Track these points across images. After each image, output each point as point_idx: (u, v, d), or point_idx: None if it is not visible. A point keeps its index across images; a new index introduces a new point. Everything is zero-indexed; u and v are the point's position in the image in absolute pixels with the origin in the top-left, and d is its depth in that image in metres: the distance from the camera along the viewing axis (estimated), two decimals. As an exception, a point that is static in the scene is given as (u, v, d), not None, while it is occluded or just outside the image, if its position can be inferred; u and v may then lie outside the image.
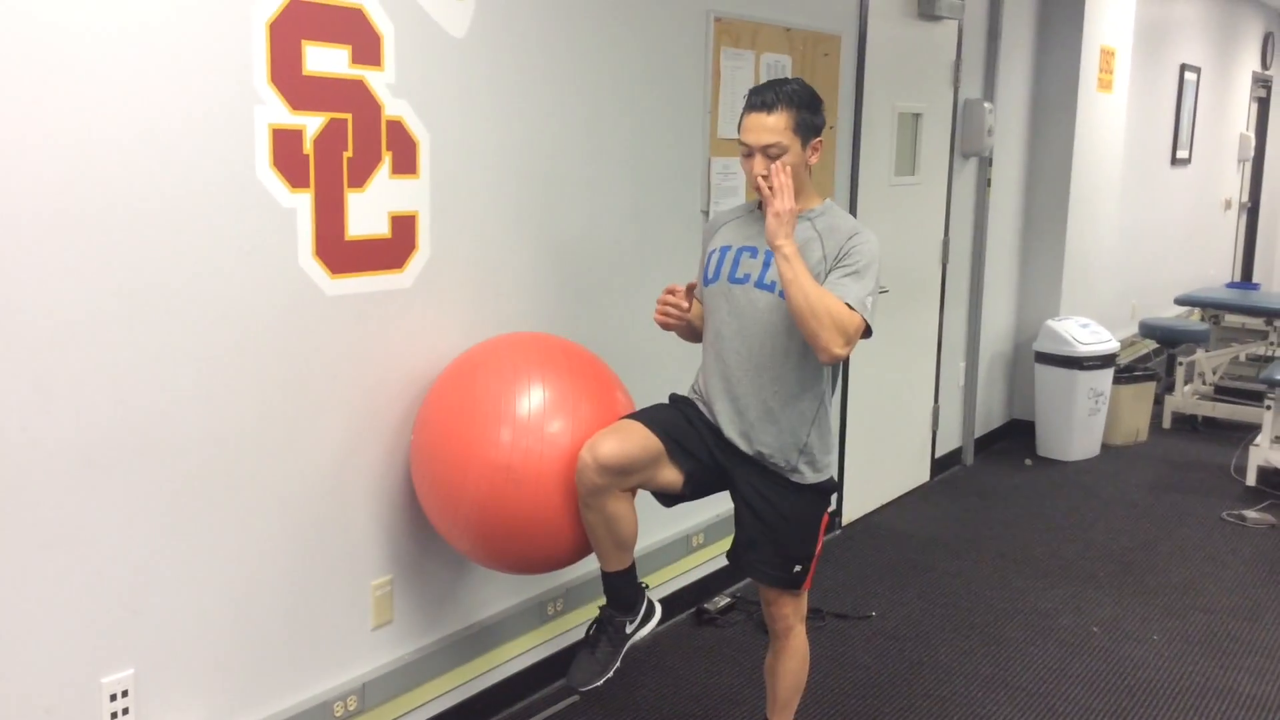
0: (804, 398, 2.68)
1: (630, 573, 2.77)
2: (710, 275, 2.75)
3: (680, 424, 2.72)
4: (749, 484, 2.72)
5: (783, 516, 2.72)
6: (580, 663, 2.77)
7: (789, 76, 2.69)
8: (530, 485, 2.58)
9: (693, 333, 2.84)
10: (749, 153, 2.62)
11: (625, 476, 2.59)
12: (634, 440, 2.60)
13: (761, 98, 2.60)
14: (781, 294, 2.55)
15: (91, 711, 2.29)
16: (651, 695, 3.42)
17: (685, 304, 2.72)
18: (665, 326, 2.78)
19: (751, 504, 2.73)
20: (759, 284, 2.65)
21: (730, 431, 2.70)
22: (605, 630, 2.79)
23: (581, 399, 2.69)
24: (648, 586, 2.87)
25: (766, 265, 2.63)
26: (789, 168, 2.57)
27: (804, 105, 2.60)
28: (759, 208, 2.73)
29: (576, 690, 2.77)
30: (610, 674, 2.76)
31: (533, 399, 2.64)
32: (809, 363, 2.64)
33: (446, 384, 2.77)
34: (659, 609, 2.89)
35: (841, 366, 2.68)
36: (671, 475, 2.69)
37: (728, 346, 2.70)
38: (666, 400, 2.86)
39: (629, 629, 2.80)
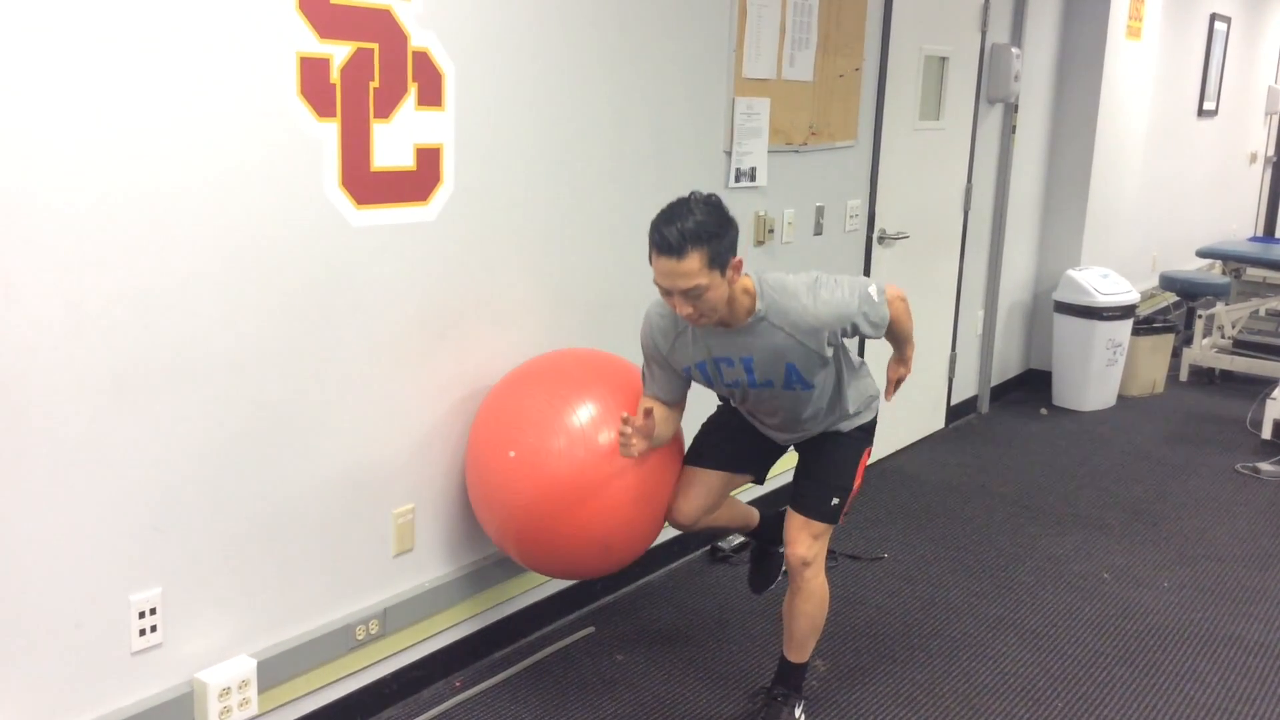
0: (830, 403, 2.85)
1: (764, 524, 3.25)
2: (706, 384, 2.81)
3: (729, 445, 2.98)
4: (800, 445, 2.99)
5: (826, 450, 2.92)
6: (751, 578, 3.39)
7: (689, 198, 2.49)
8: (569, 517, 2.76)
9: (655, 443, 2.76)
10: (667, 291, 2.50)
11: (710, 513, 2.99)
12: (701, 492, 2.94)
13: (666, 239, 2.41)
14: (783, 385, 2.72)
15: (120, 628, 2.34)
16: (666, 627, 3.47)
17: (651, 425, 2.65)
18: (628, 454, 2.65)
19: (801, 453, 2.99)
20: (753, 385, 2.74)
21: (781, 442, 3.00)
22: (755, 556, 3.38)
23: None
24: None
25: (749, 369, 2.69)
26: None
27: (712, 236, 2.43)
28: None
29: (756, 594, 3.41)
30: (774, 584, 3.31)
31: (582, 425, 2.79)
32: (825, 387, 2.79)
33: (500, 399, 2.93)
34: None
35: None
36: (742, 481, 3.03)
37: (749, 411, 2.93)
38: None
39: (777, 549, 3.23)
